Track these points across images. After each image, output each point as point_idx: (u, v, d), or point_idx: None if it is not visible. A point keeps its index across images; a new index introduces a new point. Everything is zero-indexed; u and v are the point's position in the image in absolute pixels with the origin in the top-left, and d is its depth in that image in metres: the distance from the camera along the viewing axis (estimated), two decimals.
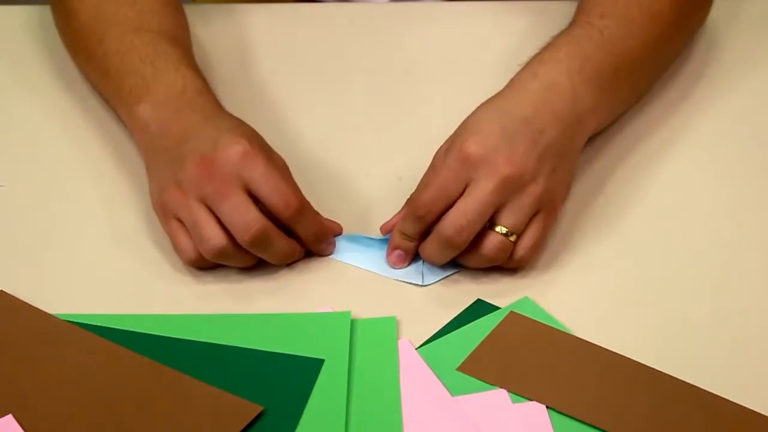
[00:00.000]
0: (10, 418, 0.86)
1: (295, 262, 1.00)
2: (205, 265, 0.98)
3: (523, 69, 1.06)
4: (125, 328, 0.93)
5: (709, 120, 1.15)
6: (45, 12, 1.24)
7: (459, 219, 0.95)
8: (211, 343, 0.92)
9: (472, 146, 0.97)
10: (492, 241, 0.96)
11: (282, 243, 0.97)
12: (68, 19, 1.15)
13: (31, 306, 0.95)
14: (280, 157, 1.00)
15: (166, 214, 0.98)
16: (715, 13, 1.24)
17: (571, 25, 1.11)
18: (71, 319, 0.94)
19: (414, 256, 1.00)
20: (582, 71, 1.04)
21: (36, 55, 1.22)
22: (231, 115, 1.03)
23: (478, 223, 0.96)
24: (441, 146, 1.00)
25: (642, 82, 1.14)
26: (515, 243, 0.97)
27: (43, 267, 1.00)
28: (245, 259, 0.98)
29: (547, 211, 0.99)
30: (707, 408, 0.88)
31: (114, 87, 1.08)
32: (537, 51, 1.08)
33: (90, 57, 1.12)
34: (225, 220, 0.95)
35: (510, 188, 0.96)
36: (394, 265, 1.00)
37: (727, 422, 0.87)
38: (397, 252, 0.99)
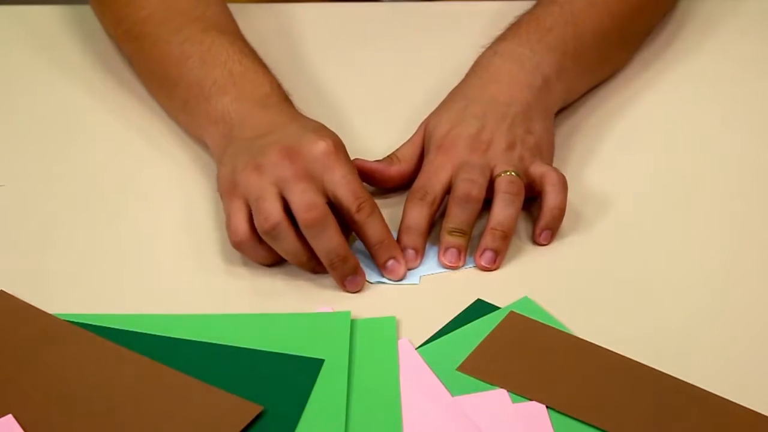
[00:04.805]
0: (10, 418, 0.86)
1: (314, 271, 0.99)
2: (247, 249, 0.97)
3: (485, 49, 1.10)
4: (125, 328, 0.93)
5: (710, 118, 1.15)
6: (38, 12, 1.25)
7: (465, 176, 0.99)
8: (211, 343, 0.92)
9: (447, 142, 1.02)
10: (501, 180, 1.00)
11: (334, 236, 0.95)
12: (129, 7, 1.14)
13: (31, 306, 0.95)
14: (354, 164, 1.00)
15: (235, 193, 0.98)
16: (717, 12, 1.24)
17: (535, 5, 1.14)
18: (71, 319, 0.94)
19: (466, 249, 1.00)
20: (542, 40, 1.08)
21: (34, 56, 1.22)
22: (315, 120, 1.03)
23: (483, 179, 1.00)
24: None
25: (611, 51, 1.15)
26: (530, 169, 1.01)
27: (43, 267, 1.00)
28: (290, 245, 0.96)
29: (540, 159, 1.03)
30: (707, 408, 0.88)
31: (194, 77, 1.07)
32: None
33: (161, 42, 1.10)
34: (292, 199, 0.95)
35: (493, 152, 1.01)
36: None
37: (726, 422, 0.87)
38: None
